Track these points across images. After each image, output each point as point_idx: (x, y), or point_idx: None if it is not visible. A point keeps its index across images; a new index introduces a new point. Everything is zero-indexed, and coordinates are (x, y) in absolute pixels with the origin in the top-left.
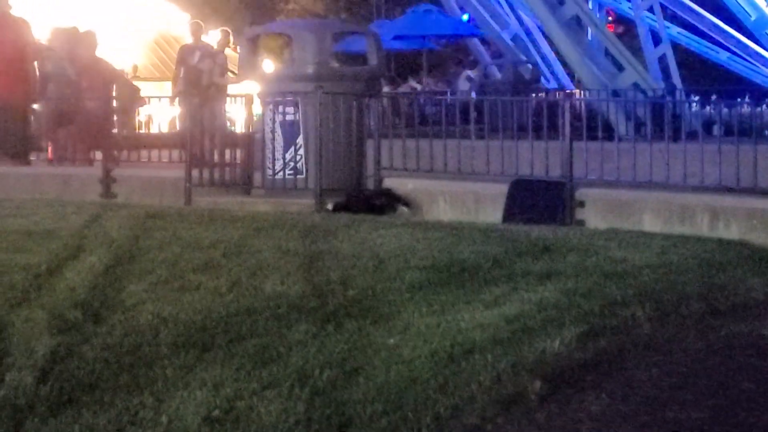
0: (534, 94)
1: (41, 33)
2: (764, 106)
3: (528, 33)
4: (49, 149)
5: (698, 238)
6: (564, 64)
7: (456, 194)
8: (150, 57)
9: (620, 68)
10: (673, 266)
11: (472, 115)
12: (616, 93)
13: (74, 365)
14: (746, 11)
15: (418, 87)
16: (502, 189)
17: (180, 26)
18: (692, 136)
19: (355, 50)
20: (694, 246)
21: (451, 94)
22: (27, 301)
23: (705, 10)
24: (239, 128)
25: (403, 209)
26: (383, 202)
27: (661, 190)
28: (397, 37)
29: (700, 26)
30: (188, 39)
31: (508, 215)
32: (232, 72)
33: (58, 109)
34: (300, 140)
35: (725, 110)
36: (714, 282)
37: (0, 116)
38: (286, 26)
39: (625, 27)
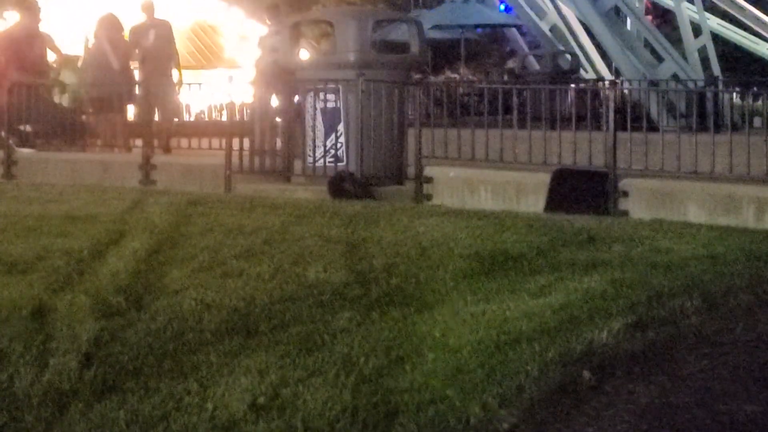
0: (573, 85)
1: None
2: None
3: (566, 23)
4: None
5: (744, 229)
6: (602, 54)
7: (497, 183)
8: (186, 45)
9: (660, 59)
10: (720, 257)
11: (515, 103)
12: (654, 83)
13: (118, 350)
14: None
15: (456, 77)
16: (544, 178)
17: (217, 15)
18: (735, 127)
19: (397, 38)
20: (741, 237)
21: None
22: (70, 286)
23: (746, 1)
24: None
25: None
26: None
27: (706, 181)
28: (434, 27)
29: (740, 17)
30: (226, 28)
31: (551, 205)
32: None
33: (99, 96)
34: (341, 128)
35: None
36: (762, 274)
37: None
38: (329, 13)
39: (665, 18)
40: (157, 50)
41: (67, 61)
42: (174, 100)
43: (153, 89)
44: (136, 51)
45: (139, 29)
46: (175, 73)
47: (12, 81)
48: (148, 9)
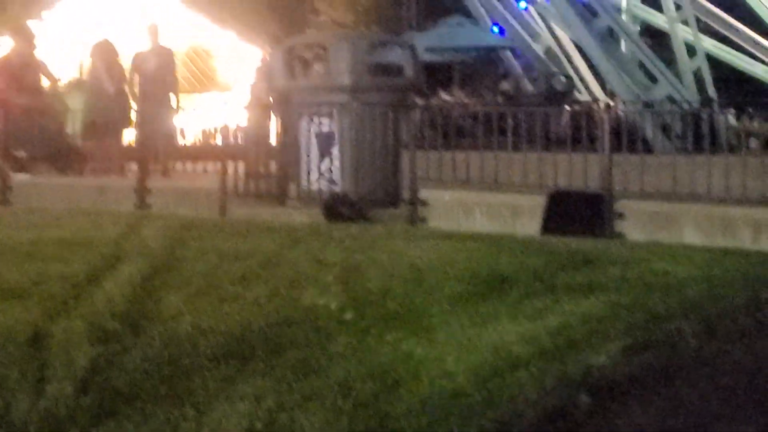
0: (567, 106)
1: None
2: None
3: (560, 45)
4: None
5: (741, 251)
6: (597, 76)
7: (493, 206)
8: (180, 70)
9: (654, 80)
10: (717, 280)
11: (509, 126)
12: (649, 105)
13: (114, 376)
14: None
15: (450, 100)
16: (540, 201)
17: (211, 39)
18: (730, 148)
19: (391, 61)
20: (738, 259)
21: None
22: (66, 312)
23: (741, 22)
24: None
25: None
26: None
27: (702, 203)
28: (428, 50)
29: (735, 39)
30: (220, 51)
31: (546, 227)
32: None
33: (94, 121)
34: (335, 151)
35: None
36: (760, 296)
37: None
38: (322, 37)
39: (659, 39)
40: (157, 77)
41: (79, 84)
42: (171, 126)
43: (151, 115)
44: (136, 75)
45: (141, 54)
46: (173, 98)
47: (8, 106)
48: (153, 34)
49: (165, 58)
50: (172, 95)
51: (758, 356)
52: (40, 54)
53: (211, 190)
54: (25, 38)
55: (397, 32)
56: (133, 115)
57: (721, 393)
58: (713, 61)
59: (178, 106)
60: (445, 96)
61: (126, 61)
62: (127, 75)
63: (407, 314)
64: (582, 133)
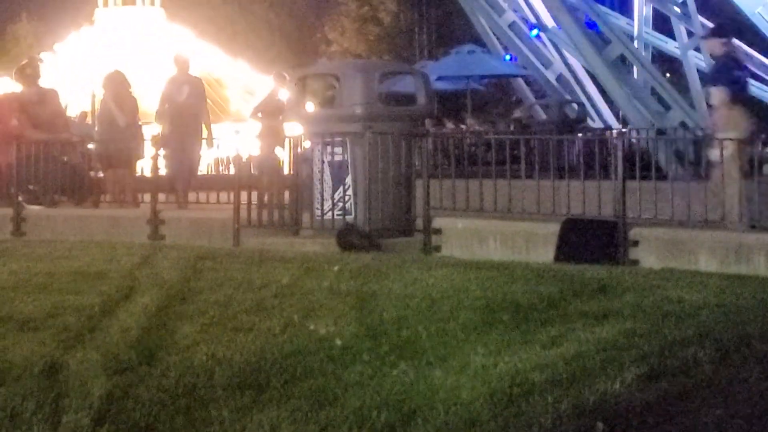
0: (580, 134)
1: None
2: None
3: (572, 72)
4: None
5: (756, 278)
6: (609, 103)
7: (506, 234)
8: None
9: (667, 107)
10: (732, 306)
11: (522, 153)
12: (661, 131)
13: (130, 407)
14: None
15: (463, 128)
16: (554, 228)
17: (223, 70)
18: (743, 175)
19: (403, 90)
20: (753, 286)
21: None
22: (81, 343)
23: (753, 48)
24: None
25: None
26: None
27: (716, 229)
28: (440, 78)
29: (747, 65)
30: (232, 81)
31: (560, 255)
32: None
33: (107, 152)
34: (349, 180)
35: None
36: None
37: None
38: (335, 67)
39: (672, 66)
40: (188, 106)
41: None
42: (197, 158)
43: (178, 145)
44: (166, 105)
45: (172, 83)
46: (204, 130)
47: (23, 141)
48: (183, 64)
49: (196, 87)
50: (203, 126)
51: None
52: (47, 83)
53: (225, 220)
54: (28, 79)
55: (409, 61)
56: (147, 146)
57: (737, 420)
58: None
59: (210, 138)
60: (449, 124)
61: (137, 92)
62: (158, 104)
63: (422, 343)
64: (595, 159)
